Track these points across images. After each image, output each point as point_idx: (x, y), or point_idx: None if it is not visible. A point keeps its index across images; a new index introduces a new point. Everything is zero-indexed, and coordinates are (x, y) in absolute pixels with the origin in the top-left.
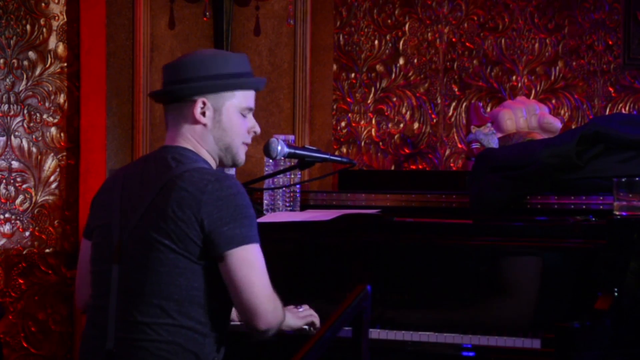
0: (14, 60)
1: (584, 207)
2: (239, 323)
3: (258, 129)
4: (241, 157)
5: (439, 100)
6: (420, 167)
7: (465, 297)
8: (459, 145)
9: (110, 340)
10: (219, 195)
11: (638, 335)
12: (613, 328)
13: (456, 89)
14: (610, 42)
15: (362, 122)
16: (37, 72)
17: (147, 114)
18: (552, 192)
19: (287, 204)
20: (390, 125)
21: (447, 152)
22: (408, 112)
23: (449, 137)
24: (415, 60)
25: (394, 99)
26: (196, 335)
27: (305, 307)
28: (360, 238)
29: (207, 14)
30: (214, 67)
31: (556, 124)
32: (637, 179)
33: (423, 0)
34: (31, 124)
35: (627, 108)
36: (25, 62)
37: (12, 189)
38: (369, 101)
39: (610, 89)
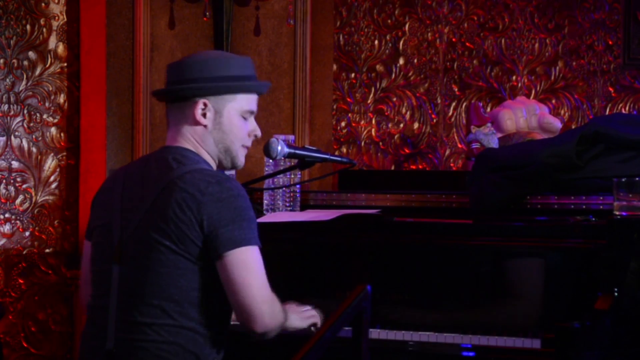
0: (14, 60)
1: (584, 207)
2: (239, 323)
3: (259, 133)
4: (240, 159)
5: (439, 100)
6: (420, 167)
7: (465, 297)
8: (459, 145)
9: (110, 340)
10: (219, 197)
11: (638, 335)
12: (613, 328)
13: (456, 89)
14: (610, 42)
15: (362, 122)
16: (37, 72)
17: (147, 114)
18: (552, 192)
19: (287, 204)
20: (390, 125)
21: (447, 152)
22: (408, 112)
23: (449, 137)
24: (415, 60)
25: (394, 99)
26: (196, 336)
27: (308, 308)
28: (360, 238)
29: (207, 14)
30: (216, 69)
31: (556, 124)
32: (637, 179)
33: (423, 0)
34: (31, 124)
35: (627, 108)
36: (25, 62)
37: (12, 189)
38: (369, 101)
39: (610, 89)
